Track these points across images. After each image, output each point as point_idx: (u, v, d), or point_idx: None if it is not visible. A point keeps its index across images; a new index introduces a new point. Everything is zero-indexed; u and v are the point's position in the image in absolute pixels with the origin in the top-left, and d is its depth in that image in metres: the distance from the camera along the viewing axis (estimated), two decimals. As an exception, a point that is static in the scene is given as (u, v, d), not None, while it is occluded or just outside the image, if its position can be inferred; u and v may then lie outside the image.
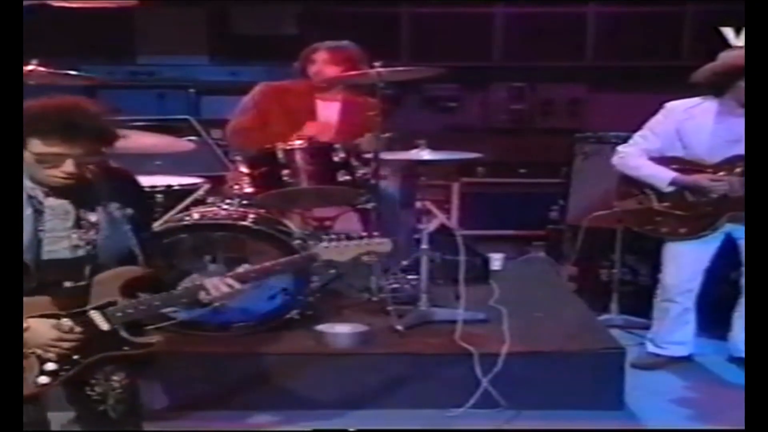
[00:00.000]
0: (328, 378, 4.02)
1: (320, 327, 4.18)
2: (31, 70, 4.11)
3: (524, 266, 6.12)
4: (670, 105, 4.46)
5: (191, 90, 7.37)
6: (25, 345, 2.62)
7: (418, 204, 4.58)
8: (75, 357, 2.69)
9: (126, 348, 2.73)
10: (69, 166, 2.56)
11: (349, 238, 3.10)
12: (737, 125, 4.14)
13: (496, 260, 5.55)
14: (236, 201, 4.34)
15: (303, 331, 4.21)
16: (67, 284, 2.69)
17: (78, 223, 2.68)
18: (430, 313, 4.41)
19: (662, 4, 7.19)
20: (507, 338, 4.09)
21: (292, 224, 4.51)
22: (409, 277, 4.72)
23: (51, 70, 4.21)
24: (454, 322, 4.20)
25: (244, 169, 4.41)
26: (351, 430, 3.61)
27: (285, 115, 4.78)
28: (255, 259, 3.93)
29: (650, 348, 4.62)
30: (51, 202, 2.66)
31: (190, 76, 7.40)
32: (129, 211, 2.74)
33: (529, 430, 3.84)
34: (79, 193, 2.68)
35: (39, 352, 2.65)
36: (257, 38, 7.37)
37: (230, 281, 2.76)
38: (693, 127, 4.37)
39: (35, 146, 2.55)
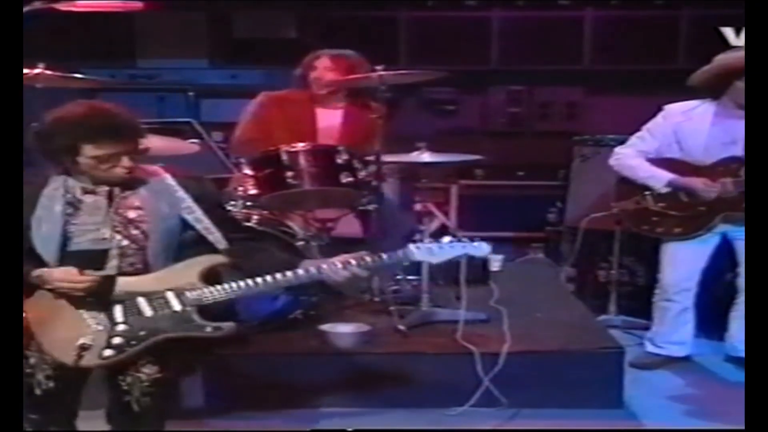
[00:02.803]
0: (331, 377, 4.06)
1: (323, 327, 4.21)
2: (38, 74, 4.15)
3: (523, 267, 6.18)
4: (669, 107, 4.51)
5: (191, 93, 7.38)
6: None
7: (418, 205, 4.62)
8: (141, 333, 2.75)
9: (193, 332, 2.77)
10: (126, 161, 2.78)
11: (445, 239, 3.04)
12: (734, 127, 4.20)
13: (496, 261, 5.58)
14: (240, 202, 4.38)
15: (306, 331, 4.25)
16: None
17: (110, 219, 2.80)
18: (432, 314, 4.46)
19: (658, 8, 7.23)
20: (507, 338, 4.13)
21: (295, 225, 4.55)
22: (411, 278, 4.77)
23: (58, 74, 4.24)
24: (455, 322, 4.24)
25: (248, 171, 4.44)
26: (350, 430, 3.64)
27: (286, 125, 4.79)
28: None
29: (649, 348, 4.66)
30: (87, 198, 2.81)
31: (190, 80, 7.41)
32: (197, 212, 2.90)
33: (529, 430, 3.87)
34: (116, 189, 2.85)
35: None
36: (257, 42, 7.38)
37: (352, 267, 2.87)
38: (690, 128, 4.42)
39: (90, 150, 2.76)
